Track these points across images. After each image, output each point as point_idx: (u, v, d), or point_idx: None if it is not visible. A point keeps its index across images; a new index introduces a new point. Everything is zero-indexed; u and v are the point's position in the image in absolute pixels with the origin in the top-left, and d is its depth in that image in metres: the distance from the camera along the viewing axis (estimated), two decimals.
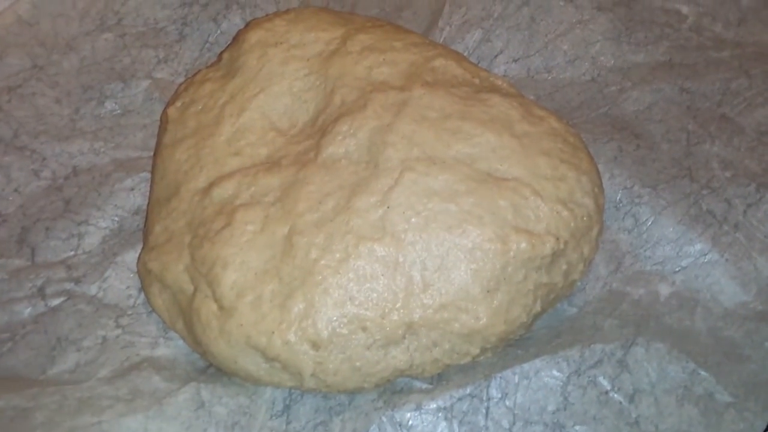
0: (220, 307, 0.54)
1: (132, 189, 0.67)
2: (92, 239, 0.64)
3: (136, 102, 0.72)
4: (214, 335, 0.54)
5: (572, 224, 0.55)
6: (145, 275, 0.60)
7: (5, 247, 0.63)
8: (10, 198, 0.65)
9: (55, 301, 0.61)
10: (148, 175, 0.67)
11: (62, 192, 0.66)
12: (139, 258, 0.61)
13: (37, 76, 0.70)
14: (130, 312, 0.61)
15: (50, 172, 0.67)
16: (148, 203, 0.64)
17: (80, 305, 0.61)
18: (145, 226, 0.64)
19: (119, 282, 0.62)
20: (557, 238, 0.54)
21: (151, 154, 0.69)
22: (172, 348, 0.60)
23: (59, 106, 0.70)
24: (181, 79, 0.73)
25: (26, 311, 0.60)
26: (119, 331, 0.60)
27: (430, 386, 0.56)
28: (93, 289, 0.62)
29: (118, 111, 0.71)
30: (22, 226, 0.64)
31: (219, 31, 0.75)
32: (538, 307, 0.56)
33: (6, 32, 0.70)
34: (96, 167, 0.68)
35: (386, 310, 0.53)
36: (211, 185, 0.59)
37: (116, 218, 0.66)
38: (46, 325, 0.59)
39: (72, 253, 0.63)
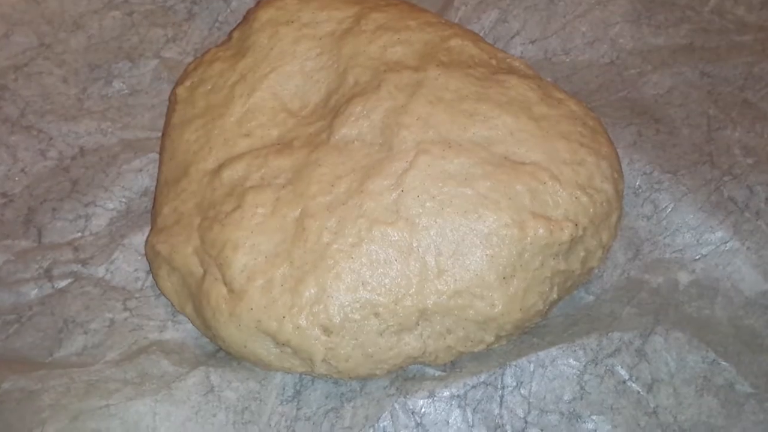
0: (230, 291, 0.53)
1: (140, 170, 0.66)
2: (99, 221, 0.64)
3: (144, 82, 0.70)
4: (223, 319, 0.53)
5: (591, 210, 0.54)
6: (153, 257, 0.59)
7: (12, 228, 0.62)
8: (17, 178, 0.64)
9: (62, 283, 0.60)
10: (157, 156, 0.66)
11: (69, 173, 0.65)
12: (147, 240, 0.60)
13: (44, 55, 0.69)
14: (137, 295, 0.60)
15: (57, 152, 0.66)
16: (157, 184, 0.63)
17: (87, 287, 0.60)
18: (153, 207, 0.63)
19: (127, 264, 0.62)
20: (576, 225, 0.53)
21: (160, 134, 0.68)
22: (180, 332, 0.59)
23: (66, 85, 0.68)
24: (190, 59, 0.71)
25: (33, 293, 0.59)
26: (127, 313, 0.59)
27: (444, 373, 0.55)
28: (100, 271, 0.61)
29: (126, 91, 0.70)
30: (29, 206, 0.63)
31: (229, 10, 0.74)
32: (554, 295, 0.54)
33: (12, 10, 0.69)
34: (103, 147, 0.67)
35: (399, 296, 0.52)
36: (221, 167, 0.58)
37: (124, 199, 0.65)
38: (53, 307, 0.59)
39: (79, 234, 0.62)
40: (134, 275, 0.62)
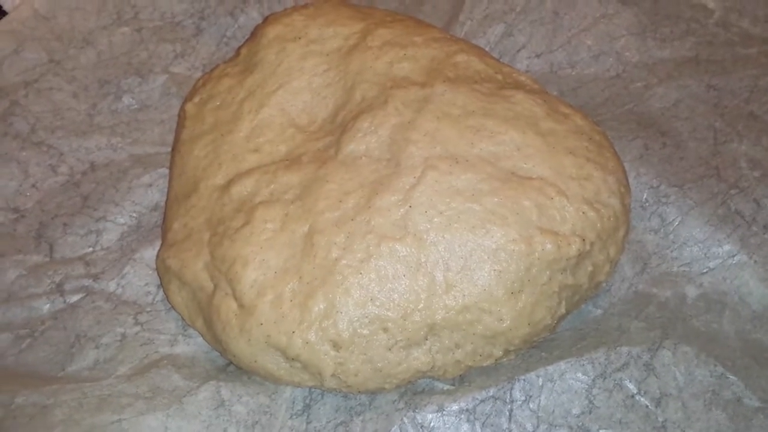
0: (240, 306, 0.54)
1: (150, 185, 0.66)
2: (110, 235, 0.64)
3: (153, 97, 0.71)
4: (234, 334, 0.54)
5: (598, 225, 0.54)
6: (164, 272, 0.59)
7: (24, 242, 0.63)
8: (28, 194, 0.65)
9: (74, 298, 0.60)
10: (166, 171, 0.67)
11: (80, 188, 0.66)
12: (157, 255, 0.61)
13: (54, 71, 0.69)
14: (149, 309, 0.61)
15: (68, 167, 0.66)
16: (167, 200, 0.64)
17: (99, 302, 0.60)
18: (163, 222, 0.63)
19: (138, 279, 0.62)
20: (583, 239, 0.53)
21: (169, 149, 0.68)
22: (191, 345, 0.59)
23: (76, 101, 0.69)
24: (198, 74, 0.72)
25: (45, 307, 0.60)
26: (138, 328, 0.59)
27: (452, 387, 0.55)
28: (111, 286, 0.61)
29: (135, 106, 0.70)
30: (40, 221, 0.64)
31: (236, 26, 0.75)
32: (562, 309, 0.55)
33: (22, 26, 0.70)
34: (113, 163, 0.67)
35: (408, 311, 0.52)
36: (230, 182, 0.59)
37: (134, 214, 0.65)
38: (65, 321, 0.59)
39: (90, 249, 0.63)
40: (145, 289, 0.62)
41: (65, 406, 0.53)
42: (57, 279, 0.61)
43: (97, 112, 0.69)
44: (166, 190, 0.66)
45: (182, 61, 0.73)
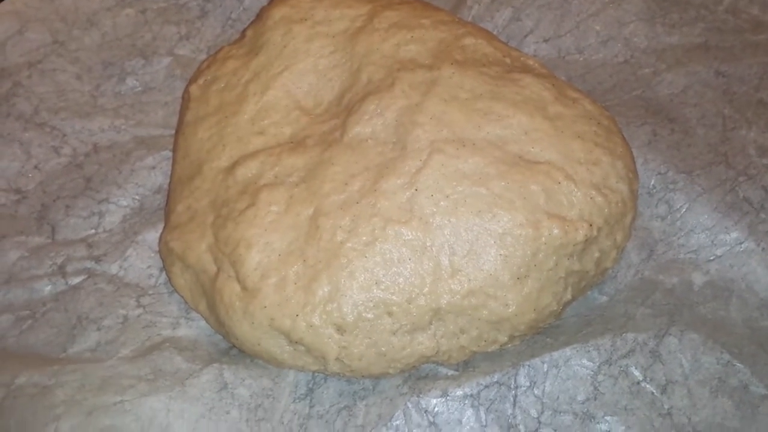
0: (244, 288, 0.53)
1: (153, 167, 0.66)
2: (113, 218, 0.64)
3: (158, 79, 0.71)
4: (237, 317, 0.53)
5: (606, 210, 0.54)
6: (166, 255, 0.59)
7: (25, 224, 0.62)
8: (30, 175, 0.65)
9: (76, 280, 0.60)
10: (170, 154, 0.66)
11: (83, 169, 0.65)
12: (160, 237, 0.61)
13: (58, 52, 0.69)
14: (151, 292, 0.60)
15: (70, 149, 0.66)
16: (170, 182, 0.63)
17: (101, 284, 0.60)
18: (166, 205, 0.63)
19: (140, 261, 0.62)
20: (591, 225, 0.53)
21: (173, 132, 0.68)
22: (194, 329, 0.59)
23: (80, 82, 0.69)
24: (203, 56, 0.71)
25: (46, 289, 0.59)
26: (140, 310, 0.59)
27: (457, 373, 0.55)
28: (114, 268, 0.61)
29: (139, 88, 0.70)
30: (42, 203, 0.63)
31: (242, 8, 0.74)
32: (568, 295, 0.54)
33: (26, 7, 0.69)
34: (117, 144, 0.67)
35: (413, 295, 0.52)
36: (235, 164, 0.58)
37: (137, 197, 0.65)
38: (67, 303, 0.59)
39: (92, 231, 0.63)
40: (147, 272, 0.62)
41: (67, 387, 0.53)
42: (59, 261, 0.61)
43: (100, 93, 0.69)
44: (169, 172, 0.65)
45: (187, 43, 0.72)
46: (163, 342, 0.57)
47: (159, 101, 0.70)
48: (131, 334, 0.58)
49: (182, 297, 0.59)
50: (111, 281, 0.60)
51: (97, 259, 0.61)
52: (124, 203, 0.64)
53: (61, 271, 0.60)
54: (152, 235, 0.63)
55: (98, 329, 0.58)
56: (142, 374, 0.54)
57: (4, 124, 0.66)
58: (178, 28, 0.72)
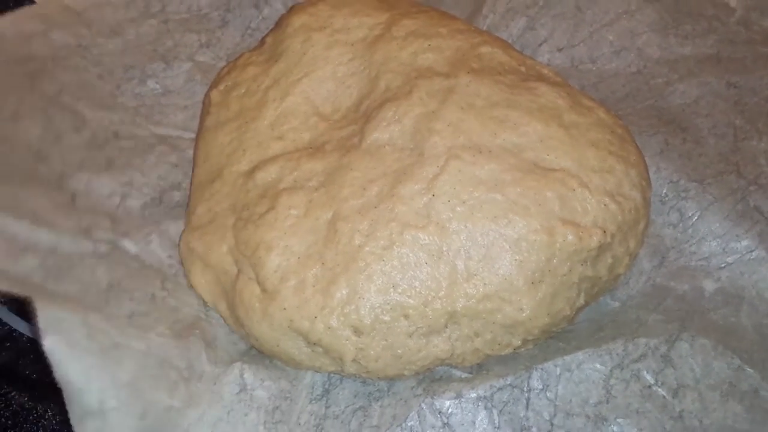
0: (264, 290, 0.55)
1: (176, 165, 0.66)
2: (133, 202, 0.62)
3: (177, 83, 0.71)
4: (257, 318, 0.54)
5: (619, 217, 0.55)
6: (187, 255, 0.60)
7: (46, 184, 0.58)
8: (51, 142, 0.61)
9: (102, 247, 0.57)
10: (190, 154, 0.67)
11: (104, 151, 0.64)
12: (181, 237, 0.61)
13: (81, 54, 0.69)
14: (172, 281, 0.60)
15: (90, 132, 0.64)
16: (191, 184, 0.64)
17: (126, 259, 0.58)
18: (187, 206, 0.64)
19: (161, 249, 0.61)
20: (604, 231, 0.54)
21: (192, 134, 0.69)
22: (213, 326, 0.59)
23: (102, 81, 0.68)
24: (223, 63, 0.72)
25: (73, 245, 0.55)
26: (165, 293, 0.58)
27: (470, 375, 0.56)
28: (135, 249, 0.59)
29: (159, 90, 0.70)
30: (62, 171, 0.60)
31: (261, 17, 0.75)
32: (581, 300, 0.55)
33: (51, 13, 0.70)
34: (138, 138, 0.66)
35: (429, 299, 0.53)
36: (255, 168, 0.59)
37: (158, 189, 0.64)
38: (94, 266, 0.55)
39: (114, 209, 0.61)
40: (168, 261, 0.61)
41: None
42: (83, 223, 0.57)
43: (121, 92, 0.69)
44: (189, 173, 0.66)
45: (207, 50, 0.73)
46: (193, 324, 0.57)
47: (179, 104, 0.70)
48: (162, 313, 0.56)
49: (200, 297, 0.60)
50: (134, 259, 0.59)
51: (122, 234, 0.59)
52: (146, 191, 0.64)
53: (87, 234, 0.57)
54: (173, 228, 0.62)
55: (131, 299, 0.56)
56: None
57: (27, 96, 0.62)
58: (198, 36, 0.73)
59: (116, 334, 0.50)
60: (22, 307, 0.68)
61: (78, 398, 0.45)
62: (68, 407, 0.45)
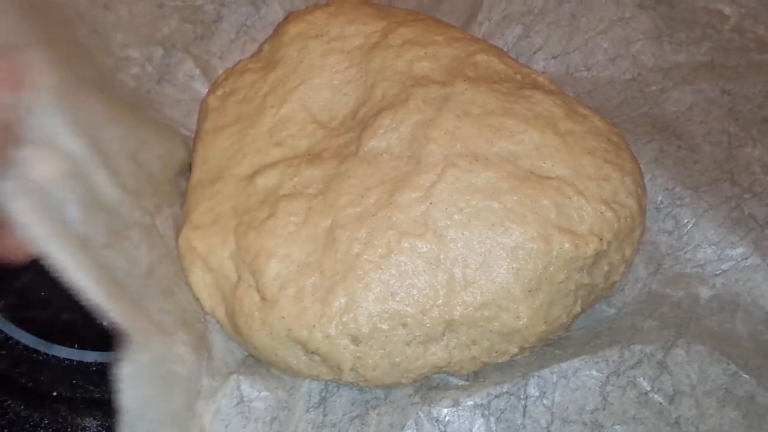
0: (263, 298, 0.55)
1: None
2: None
3: (173, 73, 0.69)
4: (256, 326, 0.55)
5: (615, 225, 0.55)
6: (188, 251, 0.59)
7: None
8: None
9: (146, 219, 0.56)
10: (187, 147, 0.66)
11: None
12: (181, 234, 0.60)
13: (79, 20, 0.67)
14: (179, 274, 0.59)
15: None
16: (189, 183, 0.63)
17: (155, 238, 0.56)
18: (186, 203, 0.63)
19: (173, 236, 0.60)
20: (600, 239, 0.54)
21: (188, 132, 0.68)
22: (210, 330, 0.58)
23: (100, 51, 0.66)
24: (217, 60, 0.71)
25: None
26: (176, 288, 0.57)
27: (467, 383, 0.56)
28: (162, 228, 0.59)
29: (156, 77, 0.69)
30: None
31: (257, 16, 0.74)
32: (578, 308, 0.56)
33: None
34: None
35: (427, 307, 0.53)
36: (255, 173, 0.59)
37: None
38: (139, 241, 0.52)
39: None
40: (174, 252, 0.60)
41: None
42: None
43: (118, 69, 0.67)
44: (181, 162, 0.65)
45: (201, 43, 0.71)
46: (197, 333, 0.56)
47: (174, 96, 0.68)
48: (177, 315, 0.54)
49: (199, 300, 0.59)
50: (162, 241, 0.57)
51: (156, 207, 0.58)
52: None
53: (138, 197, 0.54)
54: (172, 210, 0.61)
55: (162, 293, 0.53)
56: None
57: None
58: (194, 27, 0.71)
59: (163, 350, 0.49)
60: (18, 315, 0.69)
61: (131, 426, 0.45)
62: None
